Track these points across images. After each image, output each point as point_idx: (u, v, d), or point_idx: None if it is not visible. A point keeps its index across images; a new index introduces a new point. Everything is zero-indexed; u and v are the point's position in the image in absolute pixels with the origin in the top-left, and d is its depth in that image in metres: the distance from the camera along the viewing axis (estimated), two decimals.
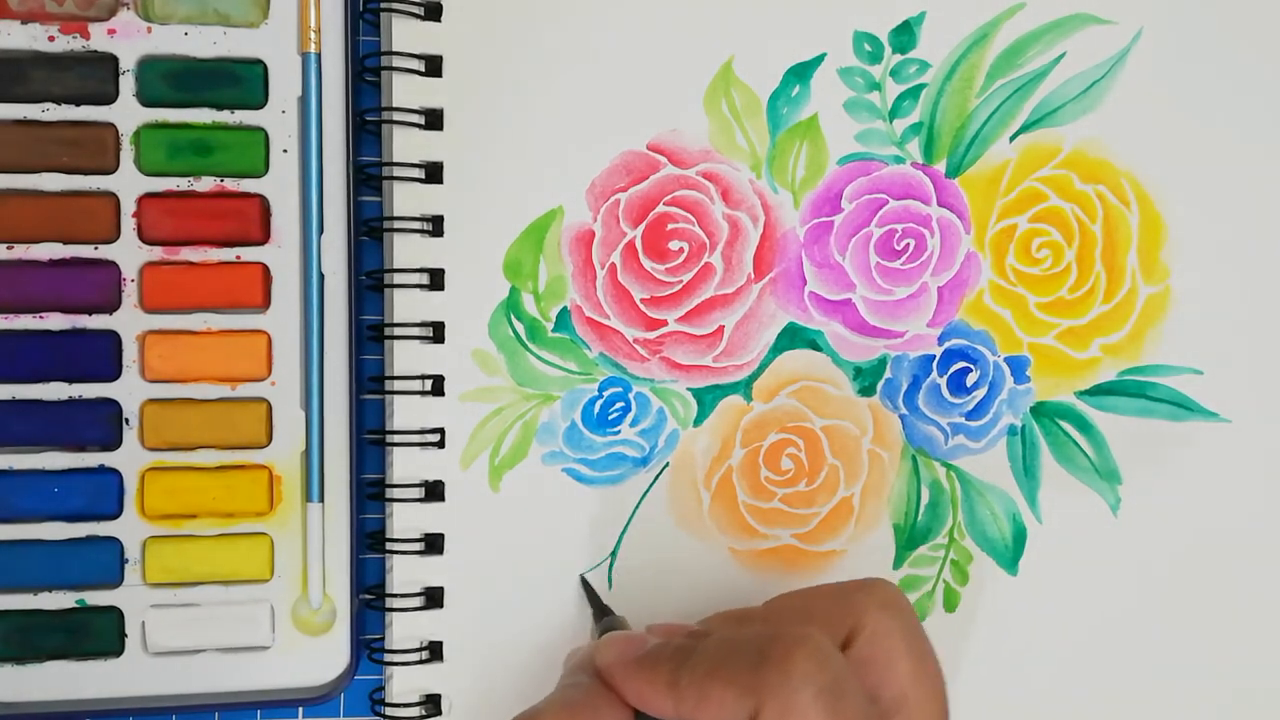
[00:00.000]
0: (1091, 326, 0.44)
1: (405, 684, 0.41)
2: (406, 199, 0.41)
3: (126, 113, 0.39)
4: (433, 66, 0.41)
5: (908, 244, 0.43)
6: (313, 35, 0.40)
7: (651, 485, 0.42)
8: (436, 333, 0.41)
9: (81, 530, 0.40)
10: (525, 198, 0.42)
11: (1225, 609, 0.45)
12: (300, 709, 0.42)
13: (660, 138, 0.42)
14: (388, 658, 0.41)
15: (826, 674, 0.31)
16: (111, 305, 0.40)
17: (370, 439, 0.41)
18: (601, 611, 0.40)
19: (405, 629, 0.41)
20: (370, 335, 0.41)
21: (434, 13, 0.41)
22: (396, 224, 0.41)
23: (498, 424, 0.41)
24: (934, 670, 0.34)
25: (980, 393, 0.44)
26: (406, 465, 0.41)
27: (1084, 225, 0.44)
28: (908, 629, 0.34)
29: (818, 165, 0.43)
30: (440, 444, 0.41)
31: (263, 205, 0.40)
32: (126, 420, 0.40)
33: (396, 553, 0.41)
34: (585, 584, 0.42)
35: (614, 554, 0.42)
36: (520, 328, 0.42)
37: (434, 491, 0.41)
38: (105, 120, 0.39)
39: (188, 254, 0.40)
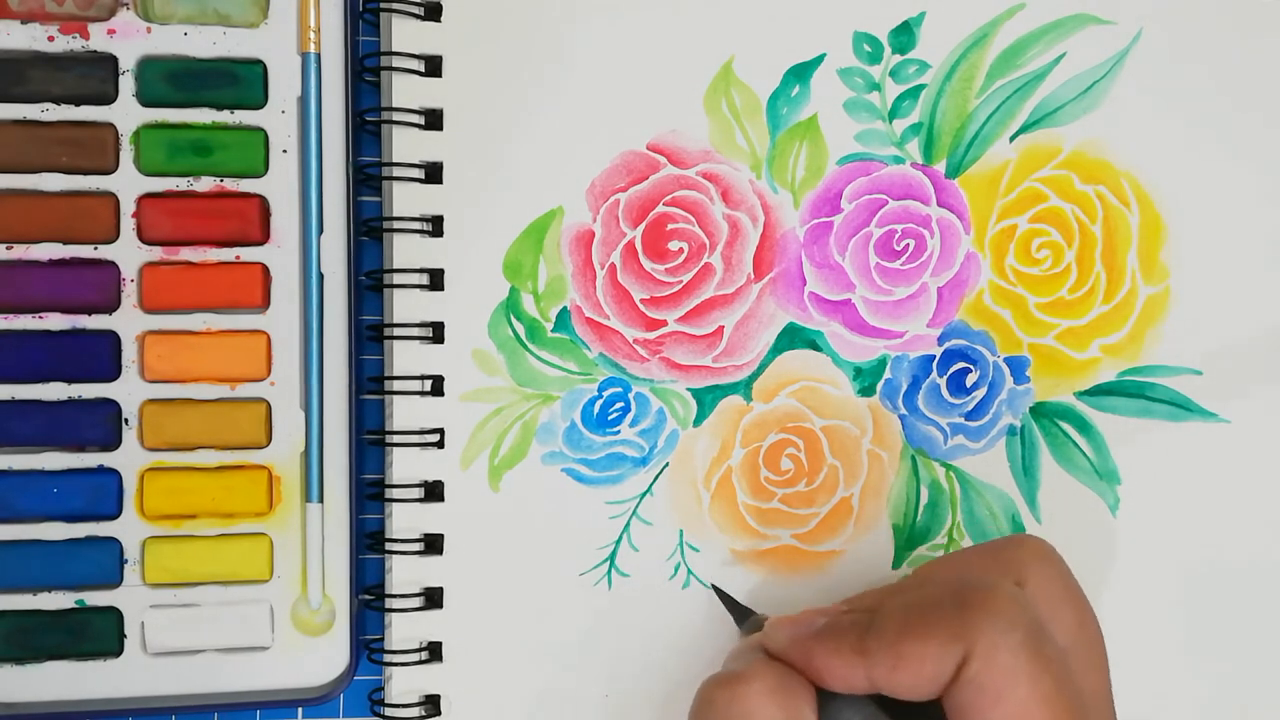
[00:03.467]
0: (1091, 327, 0.44)
1: (405, 684, 0.41)
2: (406, 199, 0.41)
3: (126, 113, 0.39)
4: (432, 66, 0.41)
5: (907, 244, 0.43)
6: (312, 35, 0.40)
7: (651, 485, 0.42)
8: (436, 333, 0.41)
9: (81, 530, 0.40)
10: (525, 198, 0.42)
11: (1224, 609, 0.45)
12: (300, 709, 0.42)
13: (660, 138, 0.42)
14: (387, 658, 0.41)
15: (1029, 617, 0.31)
16: (111, 305, 0.40)
17: (370, 439, 0.41)
18: (743, 614, 0.40)
19: (405, 629, 0.41)
20: (370, 335, 0.41)
21: (434, 13, 0.41)
22: (396, 224, 0.41)
23: (497, 424, 0.41)
24: (1093, 617, 0.34)
25: (980, 393, 0.44)
26: (406, 465, 0.41)
27: (1084, 226, 0.44)
28: (1066, 578, 0.34)
29: (817, 165, 0.43)
30: (440, 444, 0.41)
31: (262, 205, 0.40)
32: (126, 420, 0.40)
33: (396, 553, 0.41)
34: (719, 592, 0.41)
35: (613, 554, 0.42)
36: (520, 328, 0.42)
37: (434, 492, 0.41)
38: (105, 120, 0.39)
39: (187, 254, 0.40)
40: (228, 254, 0.40)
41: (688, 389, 0.43)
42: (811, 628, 0.33)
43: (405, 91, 0.41)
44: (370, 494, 0.41)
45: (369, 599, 0.41)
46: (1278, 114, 0.45)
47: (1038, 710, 0.30)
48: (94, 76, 0.39)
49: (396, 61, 0.40)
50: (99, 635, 0.40)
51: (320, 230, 0.40)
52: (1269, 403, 0.45)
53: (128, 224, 0.40)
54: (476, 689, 0.41)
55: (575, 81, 0.42)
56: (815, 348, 0.43)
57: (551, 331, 0.42)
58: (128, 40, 0.39)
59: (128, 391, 0.40)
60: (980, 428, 0.44)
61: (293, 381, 0.41)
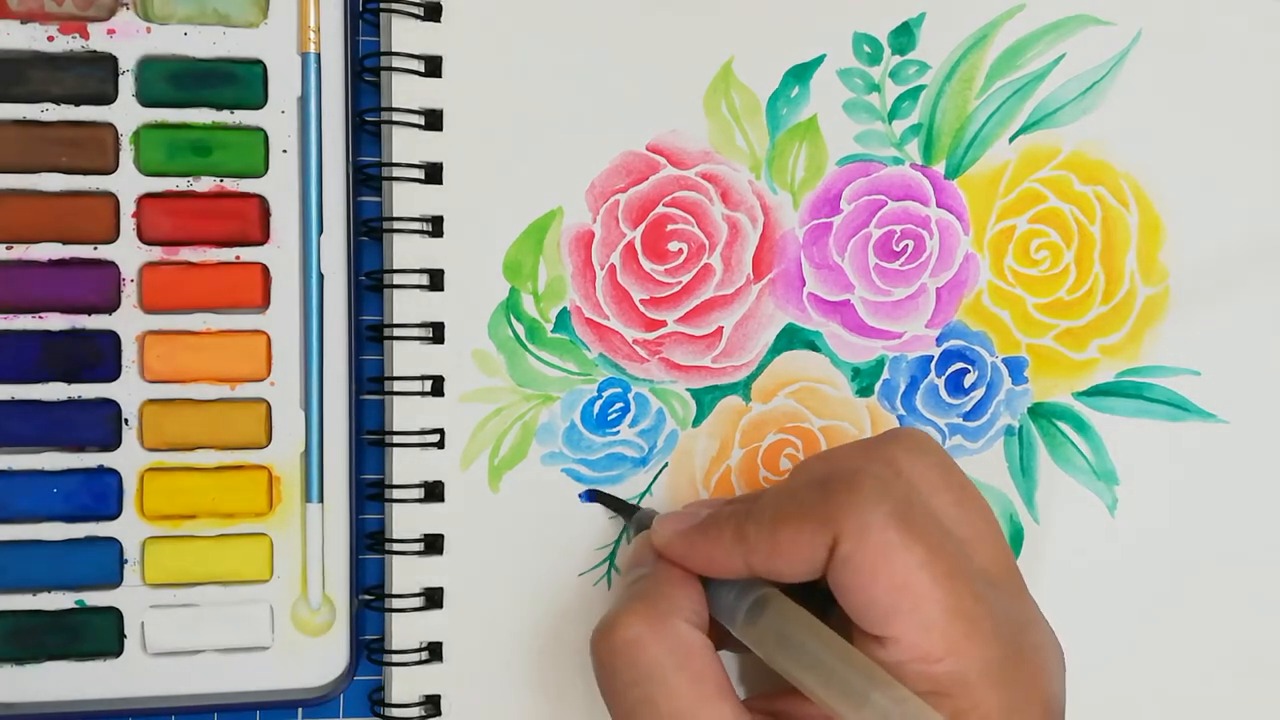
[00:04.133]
0: (1090, 328, 0.44)
1: (405, 685, 0.41)
2: (406, 199, 0.41)
3: (126, 113, 0.39)
4: (432, 67, 0.41)
5: (906, 245, 0.43)
6: (312, 35, 0.40)
7: (651, 485, 0.43)
8: (436, 333, 0.41)
9: (80, 531, 0.40)
10: (525, 198, 0.42)
11: (1223, 609, 0.45)
12: (300, 710, 0.42)
13: (660, 138, 0.42)
14: (387, 658, 0.41)
15: (895, 492, 0.31)
16: (111, 305, 0.40)
17: (370, 439, 0.41)
18: (629, 511, 0.41)
19: (405, 629, 0.41)
20: (370, 335, 0.41)
21: (434, 13, 0.41)
22: (396, 224, 0.41)
23: (497, 424, 0.42)
24: (976, 497, 0.35)
25: (978, 393, 0.44)
26: (406, 466, 0.41)
27: (1083, 226, 0.44)
28: (942, 464, 0.34)
29: (817, 166, 0.43)
30: (440, 444, 0.41)
31: (262, 205, 0.40)
32: (126, 420, 0.40)
33: (396, 553, 0.41)
34: (599, 494, 0.42)
35: (613, 554, 0.42)
36: (520, 328, 0.42)
37: (434, 492, 0.41)
38: (105, 120, 0.39)
39: (187, 254, 0.40)
40: (228, 254, 0.40)
41: (687, 389, 0.43)
42: (694, 520, 0.34)
43: (405, 91, 0.41)
44: (370, 494, 0.41)
45: (369, 599, 0.41)
46: (1278, 114, 0.45)
47: (918, 576, 0.30)
48: (94, 76, 0.39)
49: (396, 61, 0.40)
50: (99, 635, 0.40)
51: (320, 230, 0.40)
52: (1268, 403, 0.45)
53: (127, 224, 0.40)
54: (476, 689, 0.41)
55: (575, 81, 0.42)
56: (814, 348, 0.43)
57: (551, 332, 0.42)
58: (127, 40, 0.39)
59: (127, 391, 0.40)
60: (978, 428, 0.44)
61: (293, 381, 0.41)
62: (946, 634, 0.30)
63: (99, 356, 0.40)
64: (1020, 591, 0.35)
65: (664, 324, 0.42)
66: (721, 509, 0.34)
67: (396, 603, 0.41)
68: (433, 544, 0.41)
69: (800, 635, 0.31)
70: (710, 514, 0.34)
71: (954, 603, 0.31)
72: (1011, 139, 0.44)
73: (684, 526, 0.35)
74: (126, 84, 0.39)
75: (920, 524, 0.31)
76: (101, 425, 0.40)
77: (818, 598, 0.33)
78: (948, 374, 0.44)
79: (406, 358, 0.41)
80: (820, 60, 0.43)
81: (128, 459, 0.40)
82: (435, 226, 0.41)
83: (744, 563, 0.33)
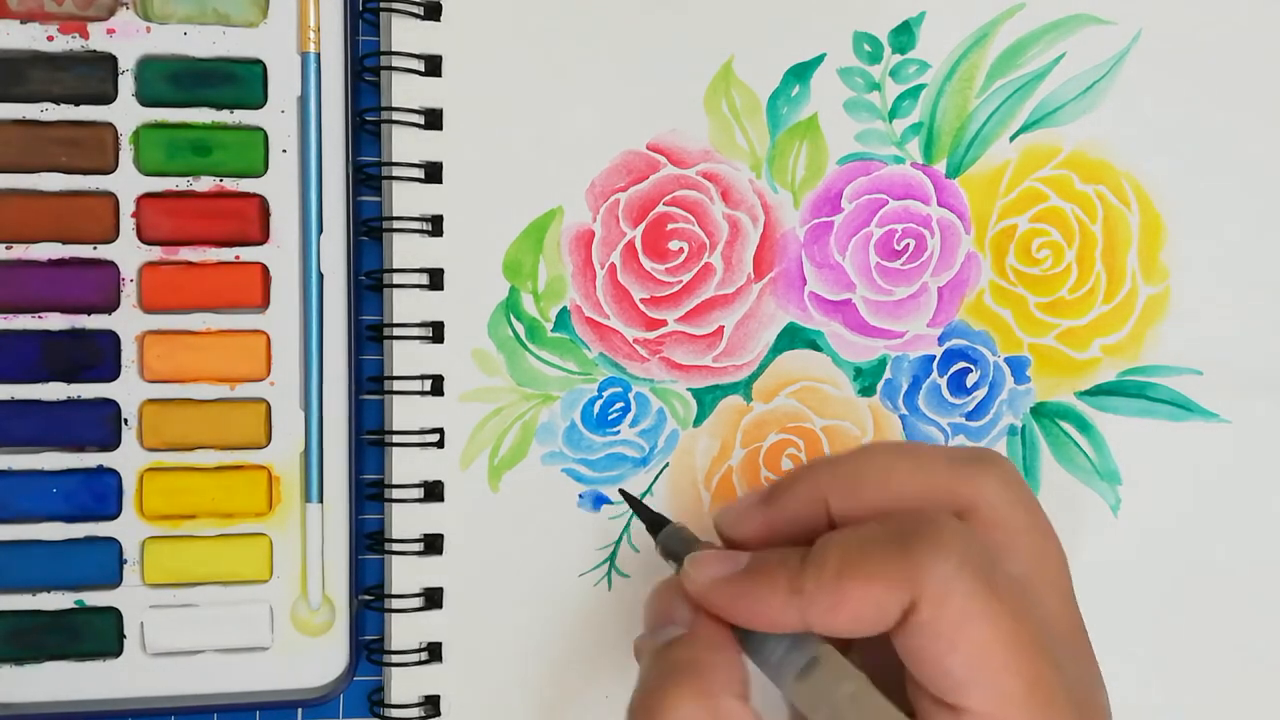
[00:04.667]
0: (1091, 327, 0.44)
1: (405, 685, 0.41)
2: (406, 199, 0.41)
3: (126, 112, 0.39)
4: (432, 66, 0.41)
5: (908, 244, 0.43)
6: (312, 35, 0.40)
7: (651, 485, 0.42)
8: (436, 333, 0.41)
9: (80, 531, 0.40)
10: (525, 198, 0.42)
11: (1224, 610, 0.45)
12: (299, 710, 0.42)
13: (660, 138, 0.42)
14: (387, 658, 0.41)
15: (978, 551, 0.29)
16: (110, 305, 0.40)
17: (370, 439, 0.41)
18: (657, 523, 0.35)
19: (405, 630, 0.41)
20: (370, 335, 0.41)
21: (434, 12, 0.41)
22: (396, 224, 0.41)
23: (497, 424, 0.41)
24: (1056, 541, 0.32)
25: (980, 393, 0.44)
26: (406, 465, 0.41)
27: (1084, 225, 0.44)
28: (1028, 501, 0.32)
29: (817, 165, 0.43)
30: (440, 444, 0.41)
31: (262, 205, 0.40)
32: (125, 420, 0.40)
33: (396, 553, 0.41)
34: (628, 496, 0.38)
35: (614, 555, 0.42)
36: (520, 328, 0.42)
37: (433, 492, 0.41)
38: (104, 120, 0.39)
39: (187, 254, 0.40)
40: (227, 254, 0.40)
41: (688, 389, 0.43)
42: (737, 565, 0.31)
43: (405, 91, 0.41)
44: (370, 494, 0.41)
45: (369, 599, 0.41)
46: (1277, 114, 0.45)
47: (998, 651, 0.28)
48: (93, 76, 0.39)
49: (396, 61, 0.40)
50: (98, 636, 0.40)
51: (320, 230, 0.40)
52: (1269, 403, 0.45)
53: (127, 224, 0.40)
54: (476, 689, 0.41)
55: (575, 81, 0.42)
56: (815, 348, 0.43)
57: (551, 331, 0.42)
58: (127, 40, 0.39)
59: (127, 391, 0.40)
60: (981, 428, 0.44)
61: (293, 381, 0.41)
62: (1025, 707, 0.28)
63: (99, 356, 0.40)
64: (1085, 645, 0.33)
65: (664, 323, 0.42)
66: (770, 554, 0.31)
67: (396, 603, 0.41)
68: (432, 544, 0.41)
69: (857, 708, 0.29)
70: (757, 559, 0.31)
71: (1034, 675, 0.29)
72: (1012, 138, 0.44)
73: (726, 572, 0.31)
74: (126, 84, 0.39)
75: (1003, 588, 0.29)
76: (101, 425, 0.40)
77: (862, 642, 0.31)
78: (950, 373, 0.44)
79: (406, 357, 0.41)
80: (820, 59, 0.43)
81: (127, 459, 0.40)
82: (435, 226, 0.41)
83: (799, 618, 0.29)
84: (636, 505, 0.37)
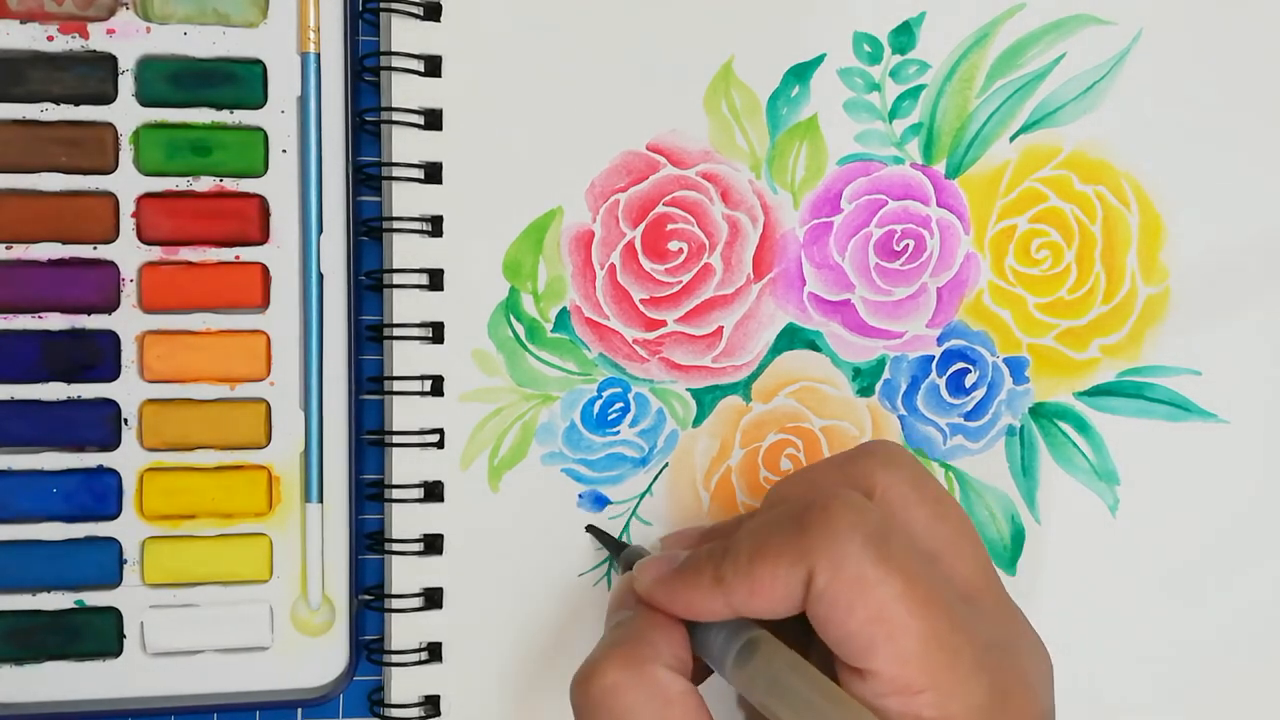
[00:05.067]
0: (1091, 327, 0.44)
1: (404, 685, 0.41)
2: (406, 199, 0.41)
3: (126, 112, 0.39)
4: (432, 66, 0.41)
5: (907, 244, 0.43)
6: (312, 35, 0.40)
7: (651, 485, 0.42)
8: (436, 333, 0.41)
9: (80, 531, 0.40)
10: (524, 198, 0.42)
11: (1224, 610, 0.45)
12: (299, 710, 0.42)
13: (660, 138, 0.42)
14: (387, 658, 0.41)
15: (868, 520, 0.31)
16: (110, 305, 0.40)
17: (370, 439, 0.41)
18: (618, 548, 0.40)
19: (404, 630, 0.41)
20: (370, 335, 0.41)
21: (433, 13, 0.41)
22: (396, 224, 0.41)
23: (497, 424, 0.41)
24: (954, 509, 0.34)
25: (979, 393, 0.44)
26: (406, 466, 0.41)
27: (1084, 226, 0.44)
28: (916, 477, 0.34)
29: (817, 166, 0.43)
30: (440, 444, 0.41)
31: (262, 205, 0.40)
32: (125, 420, 0.40)
33: (396, 553, 0.41)
34: (593, 529, 0.42)
35: (613, 555, 0.42)
36: (520, 328, 0.42)
37: (433, 492, 0.41)
38: (104, 120, 0.39)
39: (187, 254, 0.40)
40: (227, 254, 0.40)
41: (687, 389, 0.43)
42: (673, 564, 0.33)
43: (405, 91, 0.41)
44: (370, 494, 0.41)
45: (369, 599, 0.41)
46: (1277, 114, 0.45)
47: (894, 608, 0.30)
48: (93, 76, 0.39)
49: (396, 61, 0.40)
50: (98, 636, 0.40)
51: (320, 230, 0.40)
52: (1269, 403, 0.45)
53: (127, 224, 0.40)
54: (476, 689, 0.41)
55: (575, 81, 0.42)
56: (815, 348, 0.43)
57: (551, 332, 0.42)
58: (127, 40, 0.39)
59: (127, 391, 0.40)
60: (979, 428, 0.44)
61: (292, 381, 0.41)
62: (926, 665, 0.30)
63: (99, 356, 0.40)
64: (1002, 605, 0.34)
65: (664, 324, 0.42)
66: (697, 551, 0.33)
67: (396, 603, 0.41)
68: (432, 544, 0.41)
69: (791, 680, 0.31)
70: (689, 556, 0.33)
71: (932, 633, 0.30)
72: (1012, 138, 0.44)
73: (664, 572, 0.33)
74: (126, 84, 0.39)
75: (897, 552, 0.31)
76: (101, 425, 0.40)
77: (798, 629, 0.32)
78: (949, 374, 0.44)
79: (406, 357, 0.41)
80: (820, 59, 0.43)
81: (127, 459, 0.40)
82: (435, 226, 0.41)
83: (725, 604, 0.32)
84: (601, 535, 0.42)
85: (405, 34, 0.41)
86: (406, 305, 0.41)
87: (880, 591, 0.30)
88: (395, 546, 0.41)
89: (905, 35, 0.43)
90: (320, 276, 0.40)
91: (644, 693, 0.31)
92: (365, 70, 0.41)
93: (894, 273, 0.43)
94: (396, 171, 0.40)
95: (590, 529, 0.42)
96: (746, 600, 0.31)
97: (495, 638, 0.42)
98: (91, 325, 0.40)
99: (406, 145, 0.41)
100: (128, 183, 0.40)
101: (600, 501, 0.42)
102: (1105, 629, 0.45)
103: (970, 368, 0.44)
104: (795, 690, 0.30)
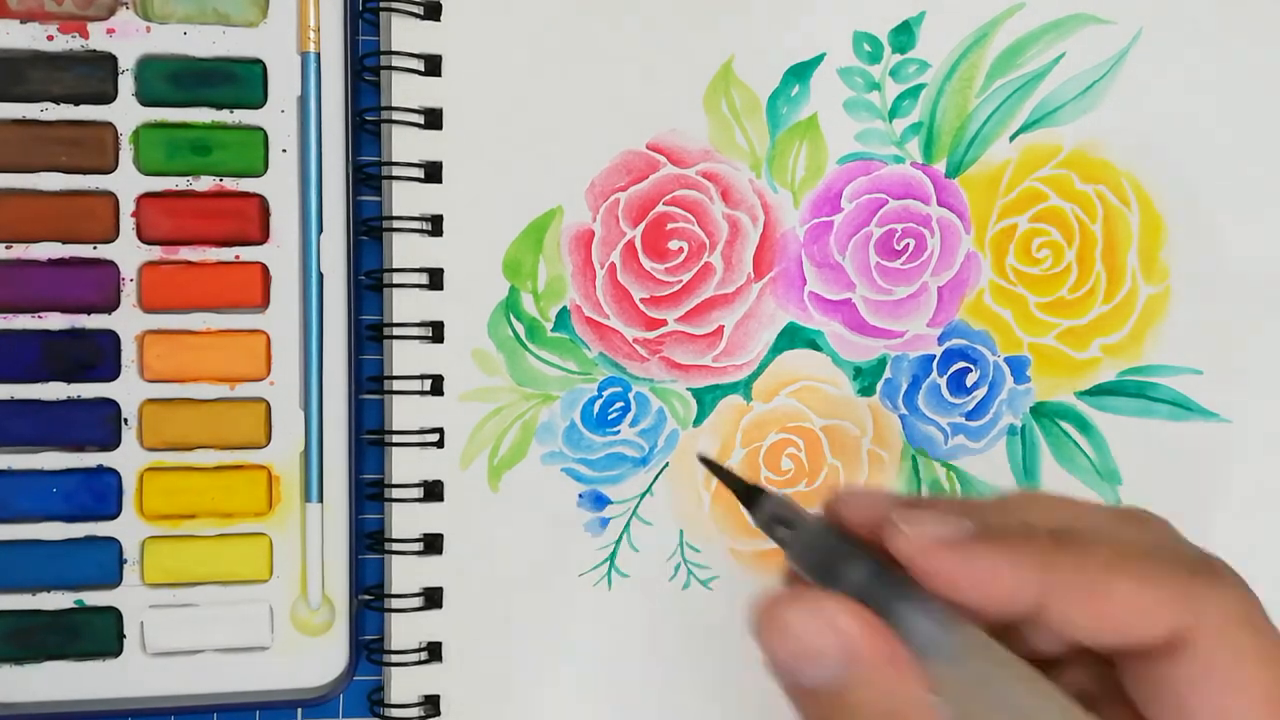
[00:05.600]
0: (1091, 327, 0.44)
1: (404, 685, 0.41)
2: (406, 199, 0.41)
3: (125, 112, 0.39)
4: (432, 66, 0.41)
5: (908, 244, 0.43)
6: (312, 35, 0.40)
7: (651, 485, 0.42)
8: (436, 332, 0.41)
9: (80, 530, 0.40)
10: (525, 197, 0.42)
11: None
12: (299, 710, 0.42)
13: (660, 137, 0.42)
14: (387, 658, 0.41)
15: (1256, 600, 0.27)
16: (110, 305, 0.40)
17: (369, 439, 0.41)
18: (751, 494, 0.28)
19: (404, 629, 0.41)
20: (369, 335, 0.41)
21: (434, 12, 0.41)
22: (396, 224, 0.41)
23: (497, 424, 0.41)
24: None
25: (980, 393, 0.44)
26: (406, 465, 0.41)
27: (1084, 225, 0.44)
28: (1257, 625, 0.27)
29: (817, 165, 0.43)
30: (439, 444, 0.41)
31: (262, 205, 0.40)
32: (125, 420, 0.40)
33: (396, 553, 0.41)
34: (712, 465, 0.30)
35: (613, 555, 0.42)
36: (520, 327, 0.42)
37: (433, 492, 0.41)
38: (104, 120, 0.39)
39: (187, 254, 0.40)
40: (227, 254, 0.40)
41: (688, 389, 0.43)
42: (961, 529, 0.26)
43: (405, 91, 0.41)
44: (370, 494, 0.41)
45: (369, 599, 0.41)
46: (1277, 114, 0.45)
47: (1259, 696, 0.25)
48: (93, 76, 0.39)
49: (396, 61, 0.40)
50: (98, 635, 0.40)
51: (320, 230, 0.40)
52: (1269, 403, 0.45)
53: (127, 223, 0.40)
54: (476, 689, 0.41)
55: (575, 81, 0.42)
56: (815, 347, 0.43)
57: (551, 331, 0.42)
58: (127, 40, 0.39)
59: (127, 391, 0.40)
60: (981, 427, 0.44)
61: (292, 381, 0.40)
62: None
63: (98, 356, 0.40)
64: None
65: (664, 323, 0.42)
66: (1005, 525, 0.27)
67: (396, 603, 0.41)
68: (432, 544, 0.41)
69: (1016, 685, 0.26)
70: (992, 526, 0.27)
71: None
72: (1012, 138, 0.44)
73: (952, 533, 0.26)
74: (126, 83, 0.39)
75: (1271, 638, 0.26)
76: (101, 425, 0.40)
77: None
78: (950, 373, 0.44)
79: (406, 357, 0.41)
80: (820, 59, 0.43)
81: (127, 459, 0.40)
82: (435, 226, 0.41)
83: (1037, 595, 0.26)
84: (720, 471, 0.29)
85: (405, 33, 0.41)
86: (406, 305, 0.41)
87: (1257, 675, 0.26)
88: (395, 546, 0.41)
89: (905, 34, 0.43)
90: (320, 276, 0.40)
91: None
92: (365, 70, 0.41)
93: (895, 272, 0.43)
94: (396, 171, 0.40)
95: (704, 460, 0.31)
96: (1074, 604, 0.26)
97: (495, 638, 0.41)
98: (91, 325, 0.40)
99: (406, 145, 0.41)
100: (128, 182, 0.40)
101: (600, 501, 0.42)
102: None
103: (971, 367, 0.44)
104: (1018, 697, 0.25)
